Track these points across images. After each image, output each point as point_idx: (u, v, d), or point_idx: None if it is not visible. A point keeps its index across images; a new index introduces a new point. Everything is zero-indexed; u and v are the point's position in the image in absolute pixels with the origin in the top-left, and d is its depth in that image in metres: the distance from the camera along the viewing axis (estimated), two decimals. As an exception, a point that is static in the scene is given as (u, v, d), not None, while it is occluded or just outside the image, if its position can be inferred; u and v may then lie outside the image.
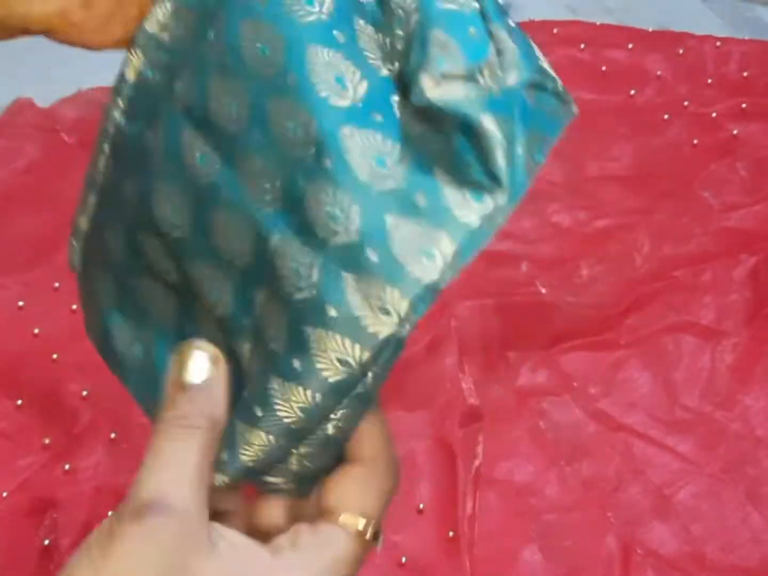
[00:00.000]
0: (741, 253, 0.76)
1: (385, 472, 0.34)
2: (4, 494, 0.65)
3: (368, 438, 0.34)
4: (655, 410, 0.70)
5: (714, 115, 0.84)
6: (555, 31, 0.88)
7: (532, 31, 0.90)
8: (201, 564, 0.30)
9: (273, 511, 0.35)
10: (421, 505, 0.64)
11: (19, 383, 0.69)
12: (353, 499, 0.33)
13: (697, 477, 0.67)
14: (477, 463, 0.66)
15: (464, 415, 0.68)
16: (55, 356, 0.70)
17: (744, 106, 0.84)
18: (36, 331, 0.71)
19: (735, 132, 0.83)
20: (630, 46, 0.87)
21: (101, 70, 0.84)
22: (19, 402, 0.68)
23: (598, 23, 0.89)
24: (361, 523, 0.33)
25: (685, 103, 0.85)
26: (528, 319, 0.73)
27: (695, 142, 0.82)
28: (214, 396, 0.33)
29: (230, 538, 0.31)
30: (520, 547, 0.64)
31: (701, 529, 0.65)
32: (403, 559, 0.62)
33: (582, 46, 0.87)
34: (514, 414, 0.69)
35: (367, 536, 0.33)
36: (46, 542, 0.63)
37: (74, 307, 0.72)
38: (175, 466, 0.31)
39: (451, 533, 0.63)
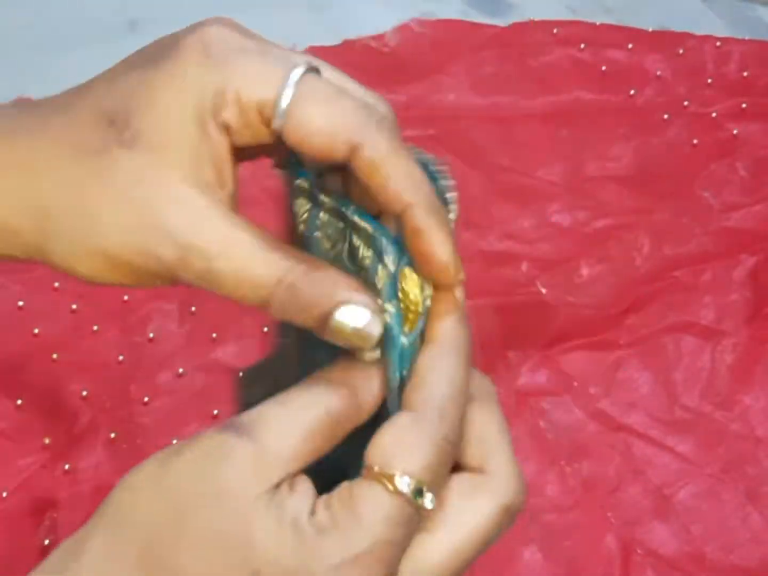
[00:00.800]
0: (741, 253, 0.76)
1: (441, 418, 0.30)
2: (4, 494, 0.65)
3: (428, 379, 0.31)
4: (655, 410, 0.70)
5: (714, 115, 0.84)
6: (555, 31, 0.88)
7: (532, 31, 0.90)
8: (245, 508, 0.28)
9: None
10: (421, 505, 0.64)
11: (19, 383, 0.69)
12: (396, 452, 0.29)
13: (697, 477, 0.67)
14: (477, 463, 0.66)
15: (464, 415, 0.68)
16: (55, 356, 0.70)
17: (744, 106, 0.84)
18: (36, 331, 0.71)
19: (735, 132, 0.83)
20: (630, 46, 0.87)
21: (101, 70, 0.84)
22: (19, 402, 0.68)
23: (598, 23, 0.89)
24: (403, 482, 0.29)
25: (685, 103, 0.85)
26: (528, 319, 0.73)
27: (695, 142, 0.82)
28: (371, 385, 0.31)
29: (290, 505, 0.29)
30: (520, 547, 0.64)
31: (701, 529, 0.65)
32: (403, 559, 0.62)
33: (582, 46, 0.87)
34: (514, 414, 0.69)
35: (408, 494, 0.29)
36: (46, 542, 0.63)
37: (74, 307, 0.72)
38: (292, 407, 0.29)
39: (451, 533, 0.63)
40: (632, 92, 0.85)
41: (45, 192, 0.31)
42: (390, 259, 0.31)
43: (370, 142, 0.30)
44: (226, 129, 0.31)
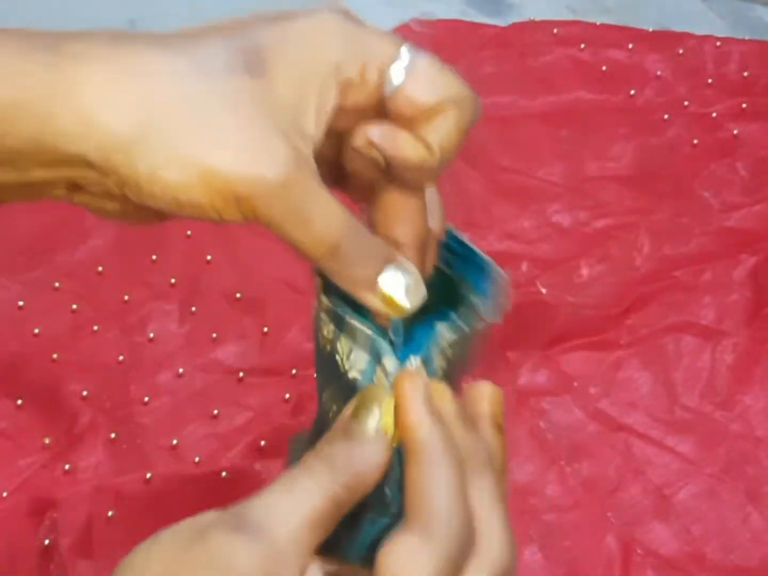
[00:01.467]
0: (741, 253, 0.76)
1: (446, 537, 0.30)
2: (4, 494, 0.65)
3: (426, 492, 0.31)
4: (655, 410, 0.70)
5: (714, 115, 0.84)
6: (555, 31, 0.88)
7: (532, 31, 0.90)
8: None
9: None
10: (421, 505, 0.64)
11: (19, 383, 0.69)
12: (405, 567, 0.29)
13: (697, 477, 0.67)
14: (477, 463, 0.66)
15: (464, 415, 0.68)
16: (55, 356, 0.70)
17: (744, 106, 0.84)
18: (36, 331, 0.71)
19: (735, 132, 0.83)
20: (630, 46, 0.87)
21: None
22: (19, 402, 0.68)
23: (598, 23, 0.89)
24: None
25: (685, 103, 0.85)
26: (528, 319, 0.73)
27: (695, 142, 0.82)
28: (369, 464, 0.31)
29: None
30: (520, 547, 0.64)
31: (701, 529, 0.65)
32: (403, 559, 0.62)
33: (582, 46, 0.87)
34: (514, 414, 0.69)
35: None
36: (46, 542, 0.63)
37: (74, 307, 0.72)
38: (298, 502, 0.30)
39: (451, 533, 0.63)
40: (632, 92, 0.85)
41: (156, 98, 0.31)
42: (389, 362, 0.33)
43: (457, 113, 0.34)
44: (345, 86, 0.33)
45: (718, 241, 0.77)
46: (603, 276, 0.75)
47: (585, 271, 0.76)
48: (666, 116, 0.84)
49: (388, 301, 0.33)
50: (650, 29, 0.89)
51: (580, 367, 0.72)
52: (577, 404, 0.70)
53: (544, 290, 0.74)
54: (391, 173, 0.34)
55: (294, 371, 0.70)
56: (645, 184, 0.80)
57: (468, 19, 0.90)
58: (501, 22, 0.90)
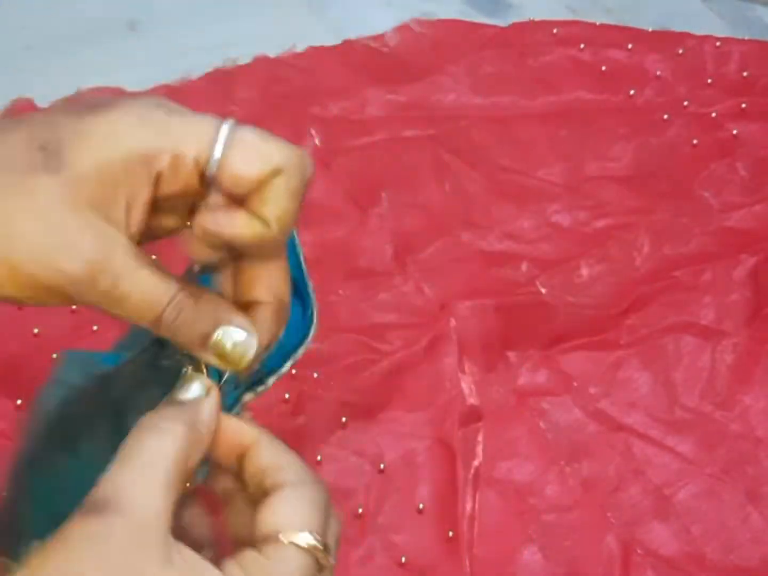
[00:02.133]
0: (741, 253, 0.76)
1: (315, 487, 0.33)
2: (4, 494, 0.65)
3: (288, 463, 0.34)
4: (655, 410, 0.70)
5: (714, 115, 0.84)
6: (555, 31, 0.88)
7: (532, 31, 0.90)
8: (154, 572, 0.29)
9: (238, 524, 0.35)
10: (421, 505, 0.64)
11: (19, 383, 0.69)
12: (292, 517, 0.32)
13: (697, 477, 0.67)
14: (477, 463, 0.66)
15: (464, 415, 0.68)
16: (55, 356, 0.70)
17: (744, 106, 0.84)
18: (36, 331, 0.71)
19: (735, 132, 0.83)
20: (630, 46, 0.87)
21: (101, 70, 0.84)
22: (19, 402, 0.68)
23: (598, 23, 0.89)
24: (307, 538, 0.32)
25: (685, 103, 0.85)
26: (528, 319, 0.73)
27: (695, 142, 0.83)
28: (198, 411, 0.33)
29: (187, 555, 0.30)
30: (520, 547, 0.64)
31: (701, 529, 0.65)
32: (403, 559, 0.62)
33: (582, 46, 0.87)
34: (514, 414, 0.69)
35: (318, 550, 0.32)
36: (46, 542, 0.63)
37: (74, 306, 0.72)
38: (141, 467, 0.31)
39: (450, 533, 0.63)
40: (632, 92, 0.85)
41: None
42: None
43: (290, 171, 0.33)
44: (157, 178, 0.33)
45: (718, 241, 0.77)
46: (603, 276, 0.75)
47: (585, 271, 0.76)
48: (666, 116, 0.84)
49: (222, 357, 0.34)
50: (650, 29, 0.89)
51: (580, 367, 0.72)
52: (577, 404, 0.70)
53: (544, 290, 0.74)
54: (237, 251, 0.35)
55: (294, 371, 0.70)
56: (645, 184, 0.80)
57: (468, 19, 0.90)
58: (501, 22, 0.90)
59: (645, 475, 0.67)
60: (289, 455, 0.34)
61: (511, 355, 0.72)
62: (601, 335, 0.73)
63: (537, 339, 0.73)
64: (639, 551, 0.64)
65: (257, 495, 0.34)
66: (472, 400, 0.69)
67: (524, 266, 0.76)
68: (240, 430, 0.35)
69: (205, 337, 0.34)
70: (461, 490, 0.64)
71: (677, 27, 0.90)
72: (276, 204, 0.33)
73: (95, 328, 0.71)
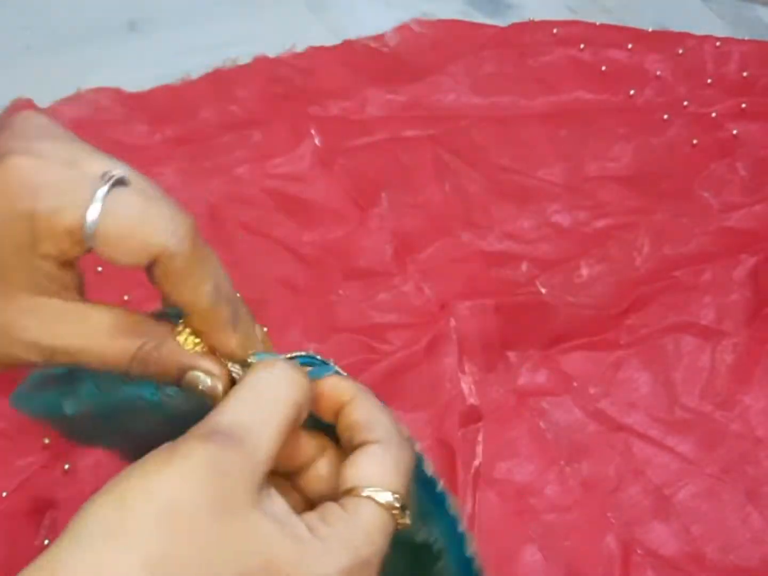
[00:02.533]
0: (741, 253, 0.76)
1: (400, 447, 0.34)
2: (4, 494, 0.65)
3: (378, 422, 0.35)
4: (655, 410, 0.70)
5: (714, 115, 0.84)
6: (555, 31, 0.88)
7: (532, 31, 0.90)
8: (246, 512, 0.30)
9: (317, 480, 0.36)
10: (421, 505, 0.64)
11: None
12: (374, 474, 0.33)
13: (697, 477, 0.67)
14: (477, 463, 0.66)
15: (464, 415, 0.68)
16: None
17: (744, 106, 0.84)
18: (36, 331, 0.71)
19: (735, 132, 0.83)
20: (629, 46, 0.87)
21: (101, 70, 0.84)
22: (19, 402, 0.68)
23: (597, 23, 0.89)
24: (386, 495, 0.33)
25: (685, 103, 0.85)
26: (528, 319, 0.73)
27: (695, 142, 0.82)
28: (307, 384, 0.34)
29: (277, 502, 0.31)
30: (520, 547, 0.64)
31: (701, 529, 0.65)
32: (403, 559, 0.62)
33: (582, 46, 0.87)
34: (514, 414, 0.69)
35: (395, 508, 0.33)
36: (46, 542, 0.63)
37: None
38: (264, 406, 0.32)
39: (451, 533, 0.63)
40: (632, 92, 0.85)
41: None
42: None
43: (171, 251, 0.33)
44: (48, 256, 0.33)
45: (718, 241, 0.77)
46: (603, 276, 0.75)
47: (585, 271, 0.76)
48: (666, 116, 0.84)
49: (199, 393, 0.35)
50: (650, 29, 0.89)
51: (580, 367, 0.72)
52: (577, 404, 0.70)
53: (544, 290, 0.74)
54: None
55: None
56: (645, 184, 0.80)
57: (468, 19, 0.90)
58: (501, 22, 0.90)
59: (645, 475, 0.67)
60: (382, 414, 0.35)
61: (511, 355, 0.72)
62: (601, 335, 0.73)
63: (537, 339, 0.72)
64: (639, 551, 0.64)
65: (347, 450, 0.34)
66: (472, 400, 0.69)
67: (524, 266, 0.76)
68: (339, 386, 0.35)
69: (177, 380, 0.35)
70: (461, 490, 0.64)
71: (677, 27, 0.90)
72: (175, 289, 0.34)
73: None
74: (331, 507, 0.32)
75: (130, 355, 0.35)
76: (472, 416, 0.68)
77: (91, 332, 0.34)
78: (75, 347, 0.34)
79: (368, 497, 0.32)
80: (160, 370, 0.35)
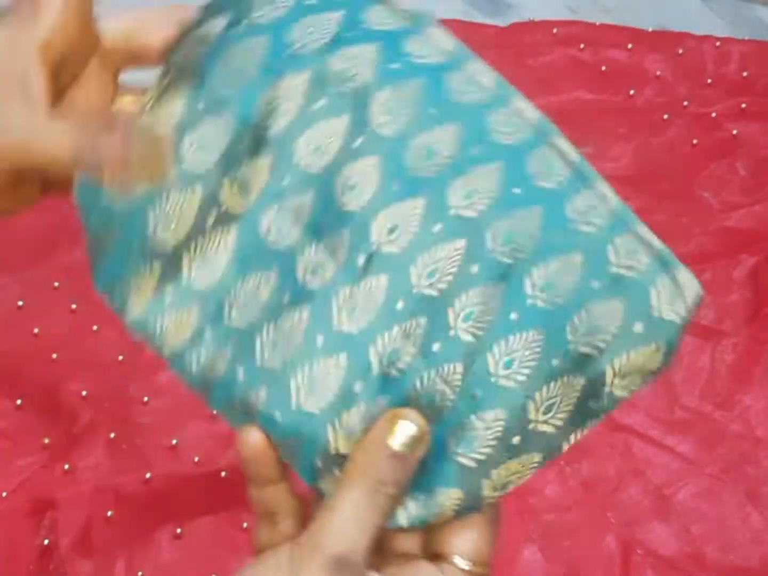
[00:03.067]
0: (741, 253, 0.76)
1: (495, 518, 0.36)
2: (4, 494, 0.65)
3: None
4: (655, 410, 0.70)
5: (714, 115, 0.84)
6: (555, 31, 0.88)
7: (532, 31, 0.90)
8: None
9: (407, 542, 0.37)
10: (421, 505, 0.64)
11: (19, 383, 0.69)
12: (472, 547, 0.35)
13: (697, 477, 0.67)
14: (477, 463, 0.66)
15: (464, 415, 0.68)
16: (55, 356, 0.70)
17: (744, 106, 0.84)
18: (36, 330, 0.71)
19: (735, 132, 0.83)
20: (629, 46, 0.87)
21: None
22: (19, 402, 0.68)
23: (597, 23, 0.89)
24: (479, 570, 0.35)
25: (685, 103, 0.85)
26: (528, 319, 0.73)
27: (695, 142, 0.82)
28: (409, 467, 0.34)
29: None
30: (520, 547, 0.64)
31: (701, 529, 0.65)
32: (403, 559, 0.62)
33: (582, 46, 0.87)
34: (514, 414, 0.69)
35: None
36: (46, 542, 0.63)
37: (74, 306, 0.72)
38: (363, 526, 0.33)
39: (451, 533, 0.63)
40: (632, 92, 0.85)
41: None
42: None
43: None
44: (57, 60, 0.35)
45: (718, 241, 0.77)
46: (603, 276, 0.75)
47: (585, 271, 0.76)
48: (666, 116, 0.84)
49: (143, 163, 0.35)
50: (650, 29, 0.89)
51: (580, 367, 0.71)
52: (577, 404, 0.70)
53: (544, 290, 0.74)
54: None
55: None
56: (645, 184, 0.80)
57: (468, 19, 0.90)
58: (501, 22, 0.90)
59: (645, 475, 0.67)
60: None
61: (511, 355, 0.72)
62: (601, 335, 0.73)
63: (537, 339, 0.72)
64: (639, 551, 0.64)
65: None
66: (472, 400, 0.69)
67: (524, 266, 0.76)
68: None
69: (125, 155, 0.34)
70: (461, 490, 0.64)
71: (677, 27, 0.90)
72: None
73: (95, 328, 0.71)
74: (427, 568, 0.34)
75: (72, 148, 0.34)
76: (472, 416, 0.68)
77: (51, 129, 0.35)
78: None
79: (465, 571, 0.34)
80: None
